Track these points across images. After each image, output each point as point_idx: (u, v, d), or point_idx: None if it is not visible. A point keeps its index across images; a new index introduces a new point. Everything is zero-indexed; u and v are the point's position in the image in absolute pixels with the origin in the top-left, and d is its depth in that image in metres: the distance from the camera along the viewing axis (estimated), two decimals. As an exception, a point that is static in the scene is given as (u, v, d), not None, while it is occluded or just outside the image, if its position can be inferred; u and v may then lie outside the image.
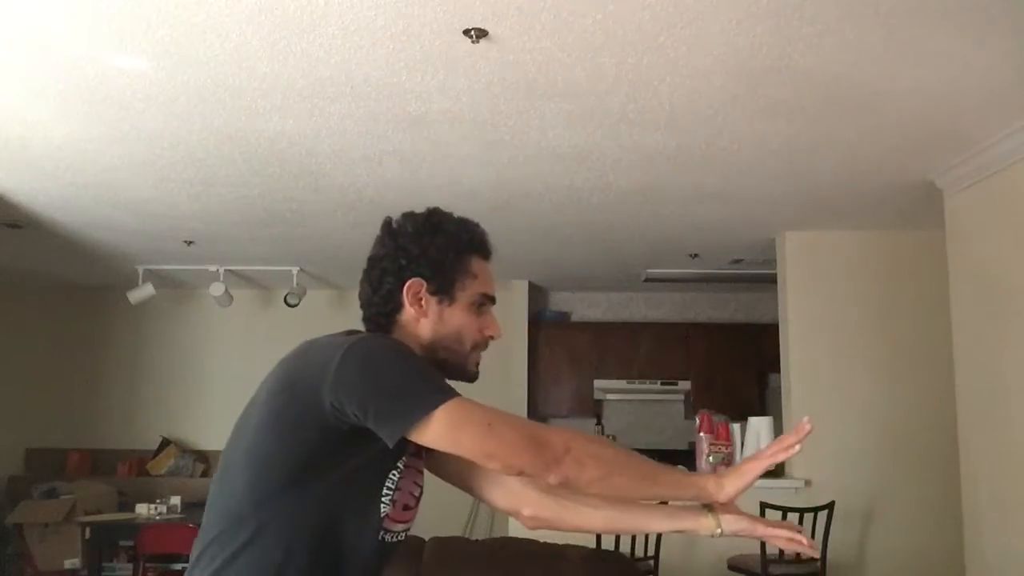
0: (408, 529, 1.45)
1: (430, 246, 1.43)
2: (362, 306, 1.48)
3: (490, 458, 1.29)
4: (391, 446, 1.29)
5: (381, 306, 1.44)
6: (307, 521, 1.31)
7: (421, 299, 1.43)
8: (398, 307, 1.43)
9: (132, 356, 7.65)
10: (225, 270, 6.61)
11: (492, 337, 1.50)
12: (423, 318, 1.43)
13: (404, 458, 1.40)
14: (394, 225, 1.46)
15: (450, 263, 1.44)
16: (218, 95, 3.21)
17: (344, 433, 1.29)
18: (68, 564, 5.89)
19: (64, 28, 2.68)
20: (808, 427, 1.41)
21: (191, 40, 2.74)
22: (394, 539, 1.42)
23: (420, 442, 1.30)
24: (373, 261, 1.46)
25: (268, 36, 2.72)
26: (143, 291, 6.52)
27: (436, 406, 1.26)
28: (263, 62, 2.91)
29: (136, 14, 2.57)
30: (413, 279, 1.42)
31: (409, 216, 1.47)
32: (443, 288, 1.44)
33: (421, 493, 1.46)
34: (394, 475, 1.38)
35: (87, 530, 5.77)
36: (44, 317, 7.64)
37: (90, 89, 3.15)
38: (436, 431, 1.26)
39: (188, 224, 5.18)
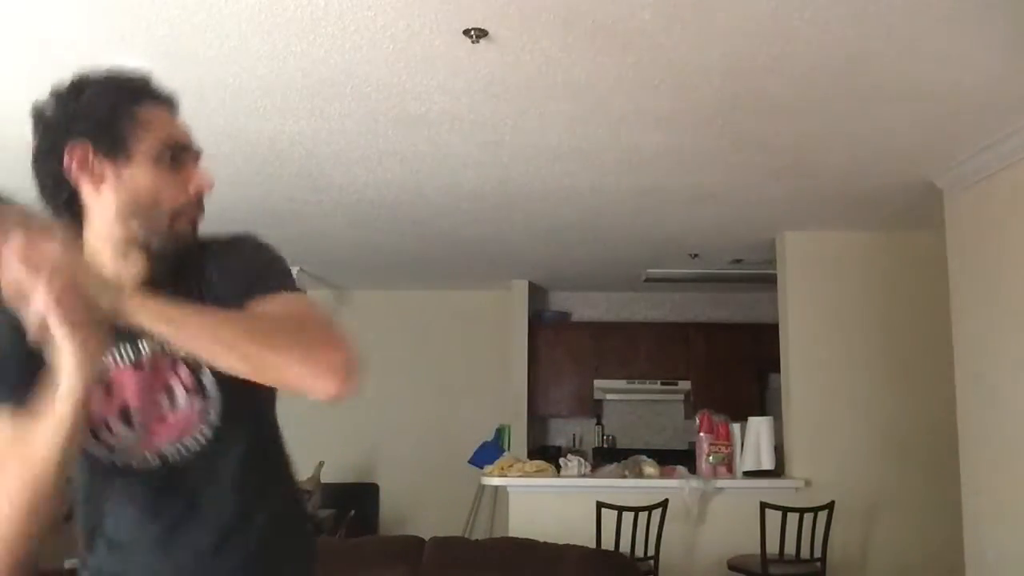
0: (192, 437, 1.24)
1: (79, 104, 1.20)
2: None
3: None
4: None
5: (53, 193, 1.21)
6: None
7: (91, 164, 1.18)
8: (73, 188, 1.20)
9: (132, 356, 7.63)
10: (225, 270, 6.61)
11: (201, 191, 1.24)
12: (103, 187, 1.19)
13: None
14: (39, 108, 1.24)
15: (110, 114, 1.19)
16: (218, 95, 3.21)
17: None
18: (68, 564, 5.88)
19: (64, 28, 2.68)
20: None
21: (191, 40, 2.74)
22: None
23: None
24: (32, 156, 1.24)
25: (268, 36, 2.72)
26: (143, 291, 6.51)
27: None
28: (263, 62, 2.91)
29: (136, 13, 2.57)
30: (71, 143, 1.18)
31: (52, 91, 1.23)
32: (113, 143, 1.18)
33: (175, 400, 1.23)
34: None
35: (87, 530, 5.76)
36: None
37: (90, 89, 3.15)
38: None
39: (188, 224, 5.16)
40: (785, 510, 4.50)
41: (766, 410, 6.66)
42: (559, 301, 8.03)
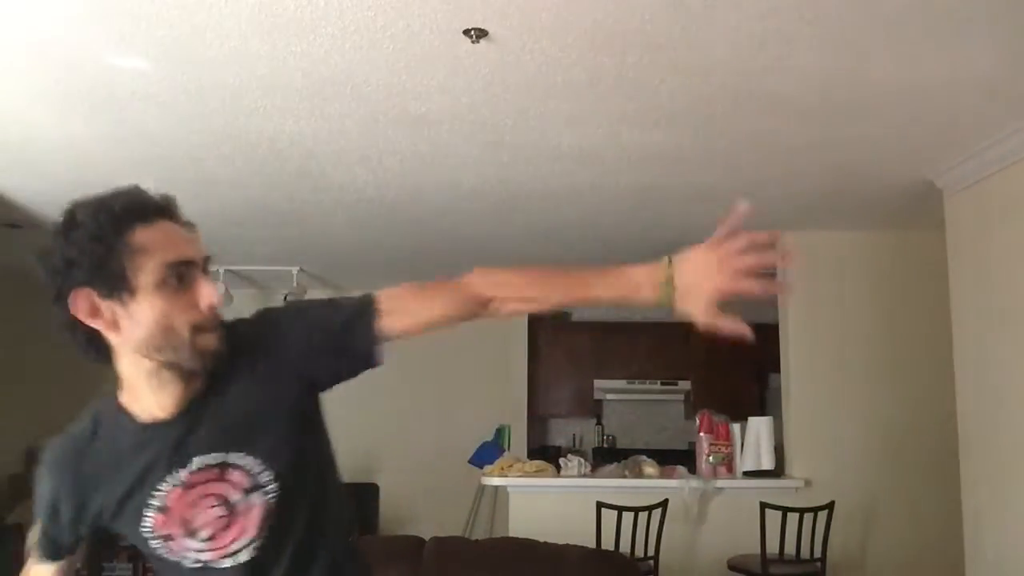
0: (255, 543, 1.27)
1: (72, 248, 1.15)
2: None
3: None
4: None
5: (78, 343, 1.20)
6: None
7: (100, 311, 1.17)
8: (93, 336, 1.19)
9: (132, 356, 7.63)
10: (225, 270, 6.61)
11: (213, 306, 1.21)
12: (119, 330, 1.18)
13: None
14: (41, 252, 1.20)
15: (104, 252, 1.15)
16: (218, 95, 3.21)
17: None
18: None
19: (64, 28, 2.68)
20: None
21: (191, 40, 2.74)
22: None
23: None
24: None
25: (268, 36, 2.72)
26: (143, 291, 6.51)
27: None
28: (263, 62, 2.91)
29: (136, 14, 2.57)
30: (74, 292, 1.16)
31: (52, 230, 1.20)
32: (114, 285, 1.16)
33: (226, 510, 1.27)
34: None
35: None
36: (44, 317, 7.63)
37: (90, 89, 3.15)
38: None
39: (188, 224, 5.16)
40: (785, 510, 4.50)
41: (766, 410, 6.66)
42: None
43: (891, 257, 5.36)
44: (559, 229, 5.35)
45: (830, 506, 4.65)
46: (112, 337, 1.19)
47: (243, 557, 1.26)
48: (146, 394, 1.23)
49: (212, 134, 3.65)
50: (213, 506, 1.24)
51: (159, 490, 1.24)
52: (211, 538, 1.25)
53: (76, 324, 1.18)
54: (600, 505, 4.56)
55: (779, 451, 5.32)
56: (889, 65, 2.91)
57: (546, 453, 7.15)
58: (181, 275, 1.19)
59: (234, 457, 1.24)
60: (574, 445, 7.79)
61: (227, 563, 1.27)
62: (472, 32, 2.65)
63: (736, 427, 5.31)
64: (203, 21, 2.62)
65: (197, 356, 1.20)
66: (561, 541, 3.72)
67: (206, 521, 1.25)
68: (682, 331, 7.65)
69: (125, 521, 1.27)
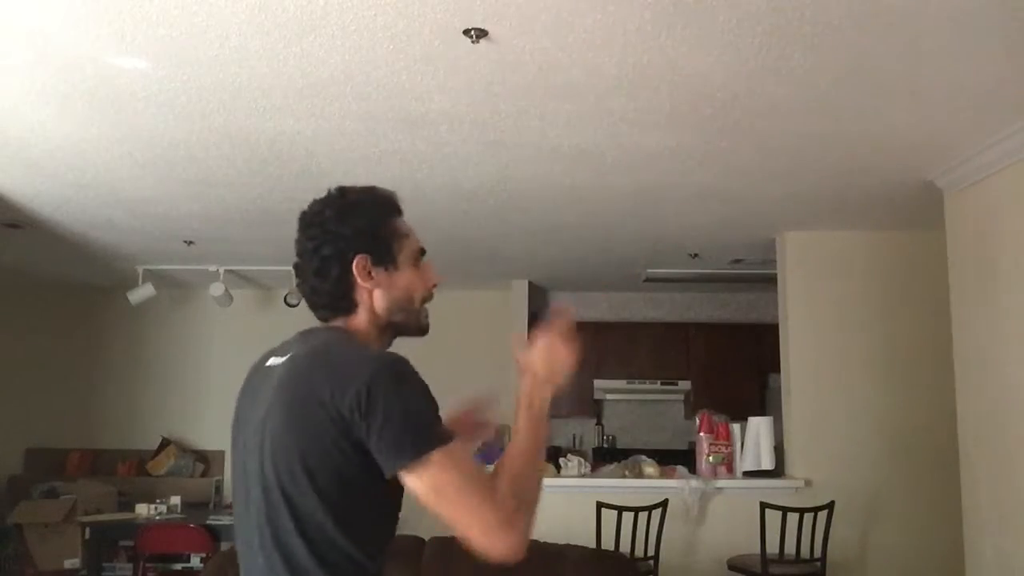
0: None
1: (358, 222, 1.52)
2: (312, 301, 1.54)
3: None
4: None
5: (335, 291, 1.50)
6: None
7: (370, 272, 1.50)
8: (351, 287, 1.50)
9: (132, 356, 7.64)
10: (225, 270, 6.61)
11: (435, 286, 1.59)
12: (377, 289, 1.50)
13: None
14: (313, 216, 1.55)
15: (382, 231, 1.53)
16: (218, 95, 3.21)
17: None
18: (68, 564, 5.89)
19: (64, 28, 2.68)
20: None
21: (191, 40, 2.74)
22: None
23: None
24: (308, 255, 1.51)
25: (268, 36, 2.72)
26: (143, 291, 6.53)
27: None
28: (263, 62, 2.91)
29: (136, 14, 2.57)
30: (358, 256, 1.49)
31: (322, 202, 1.58)
32: (385, 256, 1.52)
33: None
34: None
35: (87, 530, 5.78)
36: (44, 317, 7.64)
37: (90, 89, 3.15)
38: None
39: (188, 224, 5.17)
40: (785, 510, 4.50)
41: (766, 410, 6.67)
42: (559, 301, 8.03)
43: (891, 257, 5.36)
44: (559, 229, 5.35)
45: (830, 506, 4.65)
46: (366, 295, 1.50)
47: None
48: (373, 345, 1.50)
49: (212, 134, 3.65)
50: None
51: None
52: None
53: (346, 281, 1.49)
54: (600, 505, 4.56)
55: (779, 451, 5.32)
56: (889, 65, 2.91)
57: (546, 453, 7.15)
58: (418, 258, 1.56)
59: None
60: (574, 445, 7.79)
61: None
62: (472, 32, 2.65)
63: (736, 427, 5.31)
64: (203, 21, 2.62)
65: (417, 323, 1.56)
66: (561, 541, 3.72)
67: None
68: (682, 331, 7.71)
69: None
